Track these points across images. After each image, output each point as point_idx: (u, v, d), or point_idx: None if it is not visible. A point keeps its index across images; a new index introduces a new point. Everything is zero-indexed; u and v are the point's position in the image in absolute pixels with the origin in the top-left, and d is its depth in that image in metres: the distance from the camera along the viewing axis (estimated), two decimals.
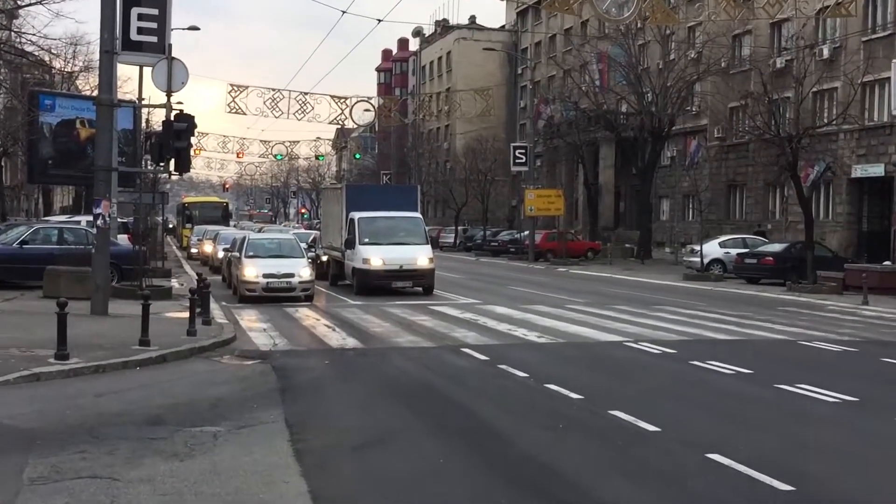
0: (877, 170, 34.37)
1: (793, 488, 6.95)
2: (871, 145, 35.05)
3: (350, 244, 24.79)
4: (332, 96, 42.24)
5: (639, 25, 42.45)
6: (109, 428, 8.75)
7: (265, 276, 21.68)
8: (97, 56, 19.86)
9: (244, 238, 24.62)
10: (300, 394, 10.79)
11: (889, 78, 28.25)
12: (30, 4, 25.22)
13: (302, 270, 22.03)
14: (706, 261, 32.61)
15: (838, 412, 9.95)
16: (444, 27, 78.95)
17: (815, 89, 33.34)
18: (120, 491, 6.82)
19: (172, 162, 17.57)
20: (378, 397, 10.65)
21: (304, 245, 26.74)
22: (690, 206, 46.30)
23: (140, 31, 18.20)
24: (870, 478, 7.48)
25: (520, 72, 69.01)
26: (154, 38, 18.25)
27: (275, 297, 21.44)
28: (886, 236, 34.72)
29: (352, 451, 8.08)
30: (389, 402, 10.41)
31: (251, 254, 22.85)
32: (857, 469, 7.73)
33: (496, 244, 51.58)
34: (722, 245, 34.38)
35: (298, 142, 62.40)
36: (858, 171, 35.40)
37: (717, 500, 6.75)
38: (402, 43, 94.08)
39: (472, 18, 78.91)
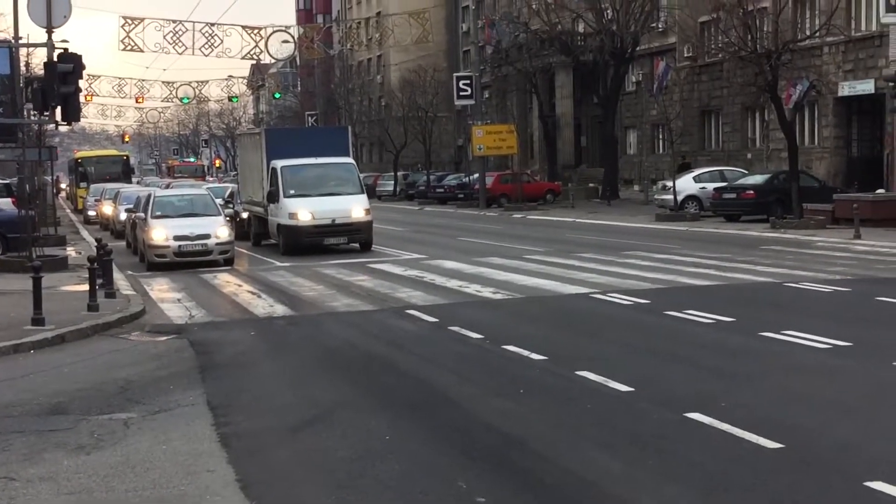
0: (866, 86, 34.91)
1: (781, 446, 7.14)
2: (859, 59, 35.56)
3: (273, 197, 24.62)
4: (244, 27, 41.72)
5: None
6: (1, 421, 8.66)
7: (176, 238, 21.44)
8: None
9: (149, 196, 24.30)
10: (223, 371, 10.78)
11: None
12: None
13: (219, 230, 21.85)
14: (680, 198, 32.99)
15: (830, 359, 10.22)
16: None
17: None
18: (18, 492, 6.78)
19: (59, 110, 17.23)
20: (314, 371, 10.68)
21: (220, 201, 26.51)
22: (660, 136, 46.71)
23: None
24: (864, 430, 7.71)
25: None
26: None
27: (189, 262, 21.27)
28: (879, 162, 35.39)
29: (286, 433, 8.11)
30: (327, 375, 10.45)
31: (158, 213, 22.53)
32: (850, 421, 7.96)
33: (442, 190, 51.62)
34: (697, 179, 34.82)
35: (207, 82, 61.22)
36: (846, 89, 35.92)
37: (698, 463, 6.92)
38: None
39: None
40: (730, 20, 31.32)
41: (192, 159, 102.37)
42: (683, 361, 10.41)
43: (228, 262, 21.74)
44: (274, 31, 42.64)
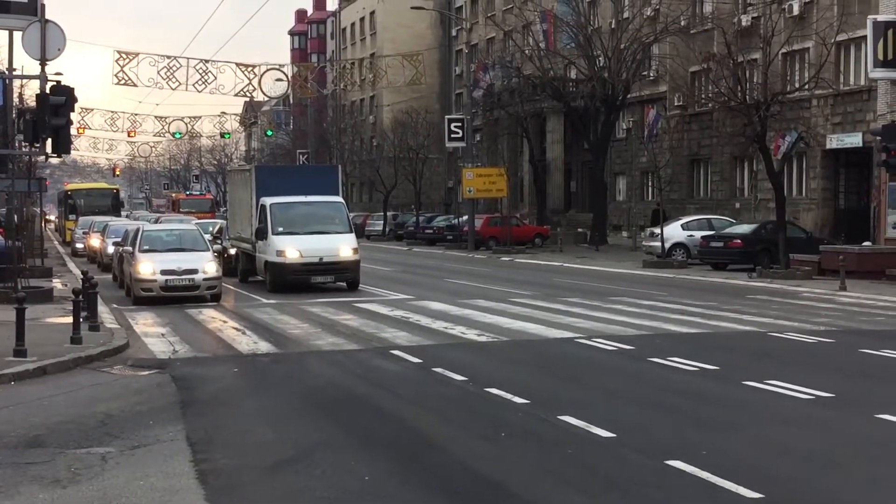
0: (854, 140, 35.23)
1: (761, 495, 7.13)
2: (847, 112, 35.91)
3: (261, 234, 24.63)
4: (238, 64, 41.98)
5: None
6: None
7: (163, 272, 21.37)
8: None
9: (138, 230, 24.27)
10: (205, 407, 10.73)
11: (865, 37, 28.97)
12: None
13: (207, 266, 21.78)
14: (667, 245, 33.13)
15: (812, 410, 10.22)
16: None
17: (784, 50, 33.98)
18: None
19: (49, 142, 17.25)
20: (295, 409, 10.64)
21: (208, 236, 26.52)
22: (649, 183, 46.93)
23: None
24: (845, 481, 7.71)
25: (454, 34, 69.15)
26: None
27: (175, 297, 21.21)
28: (865, 214, 35.64)
29: (265, 472, 8.07)
30: (309, 413, 10.41)
31: (146, 247, 22.44)
32: (831, 472, 7.96)
33: (431, 231, 51.71)
34: (685, 227, 34.96)
35: (200, 117, 61.45)
36: (834, 142, 36.24)
37: None
38: (319, 2, 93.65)
39: None
40: (720, 71, 31.65)
41: (198, 192, 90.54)
42: (666, 409, 10.41)
43: (215, 297, 21.61)
44: (268, 70, 42.96)
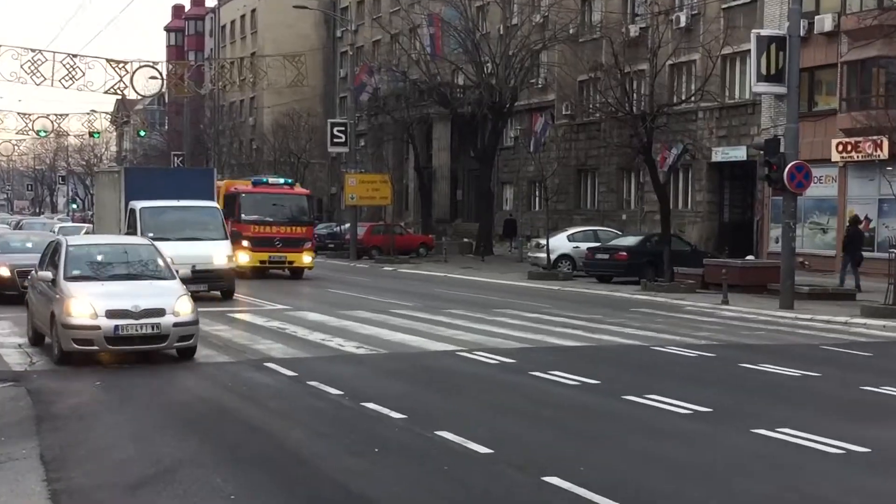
0: (738, 153, 36.40)
1: None
2: (733, 126, 37.09)
3: None
4: (109, 60, 40.96)
5: None
6: None
7: (110, 314, 13.93)
8: None
9: (58, 245, 16.04)
10: (62, 422, 10.45)
11: (749, 51, 29.92)
12: None
13: (178, 304, 14.36)
14: (553, 257, 33.60)
15: (690, 424, 10.49)
16: None
17: (671, 62, 34.97)
18: None
19: None
20: (160, 424, 10.44)
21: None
22: (536, 193, 47.62)
23: None
24: (718, 496, 7.94)
25: (339, 35, 68.95)
26: None
27: (131, 352, 14.40)
28: (749, 227, 36.85)
29: (123, 491, 7.91)
30: (174, 429, 10.22)
31: (76, 273, 14.98)
32: (705, 487, 8.18)
33: None
34: (571, 238, 35.52)
35: (68, 115, 59.70)
36: (719, 155, 37.39)
37: None
38: None
39: None
40: (608, 81, 32.36)
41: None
42: (545, 423, 10.55)
43: (187, 353, 14.71)
44: (141, 67, 41.98)
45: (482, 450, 9.10)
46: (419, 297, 25.64)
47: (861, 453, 9.30)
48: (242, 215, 31.06)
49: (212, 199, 26.46)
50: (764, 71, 25.78)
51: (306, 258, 31.41)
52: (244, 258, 29.73)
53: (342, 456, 8.99)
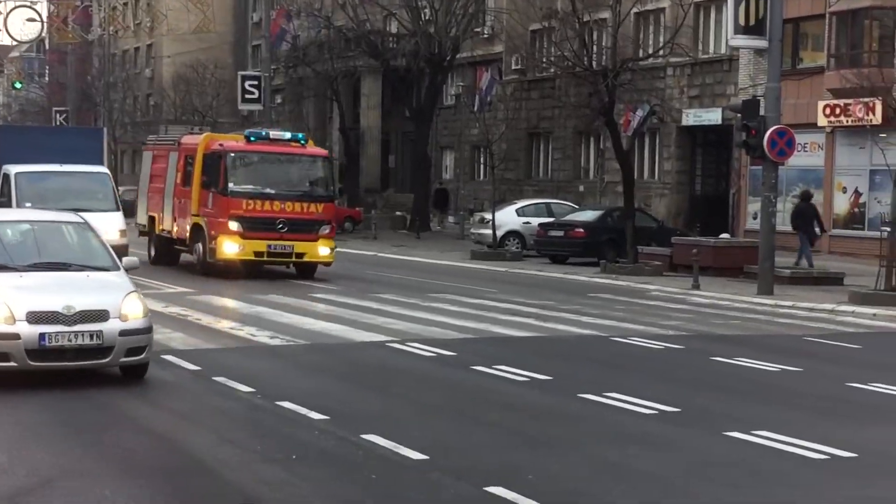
0: (712, 116, 36.76)
1: None
2: (706, 84, 37.43)
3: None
4: None
5: None
6: None
7: (32, 318, 11.68)
8: None
9: None
10: None
11: None
12: None
13: (126, 303, 12.25)
14: (500, 234, 33.71)
15: (654, 426, 10.60)
16: None
17: (636, 10, 35.12)
18: None
19: None
20: (37, 430, 10.30)
21: None
22: (481, 160, 47.68)
23: None
24: None
25: None
26: None
27: (60, 369, 12.05)
28: (724, 201, 37.24)
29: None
30: (54, 435, 10.11)
31: None
32: (670, 499, 8.28)
33: None
34: (520, 212, 35.66)
35: None
36: (691, 118, 37.72)
37: None
38: None
39: None
40: (564, 31, 32.39)
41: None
42: (489, 426, 10.59)
43: (138, 370, 12.54)
44: (16, 7, 41.35)
45: (416, 456, 9.11)
46: (344, 279, 25.56)
47: (846, 459, 9.45)
48: (230, 185, 24.51)
49: (101, 163, 26.24)
50: (742, 22, 25.95)
51: (322, 250, 24.93)
52: (231, 248, 24.30)
53: (253, 464, 8.95)
